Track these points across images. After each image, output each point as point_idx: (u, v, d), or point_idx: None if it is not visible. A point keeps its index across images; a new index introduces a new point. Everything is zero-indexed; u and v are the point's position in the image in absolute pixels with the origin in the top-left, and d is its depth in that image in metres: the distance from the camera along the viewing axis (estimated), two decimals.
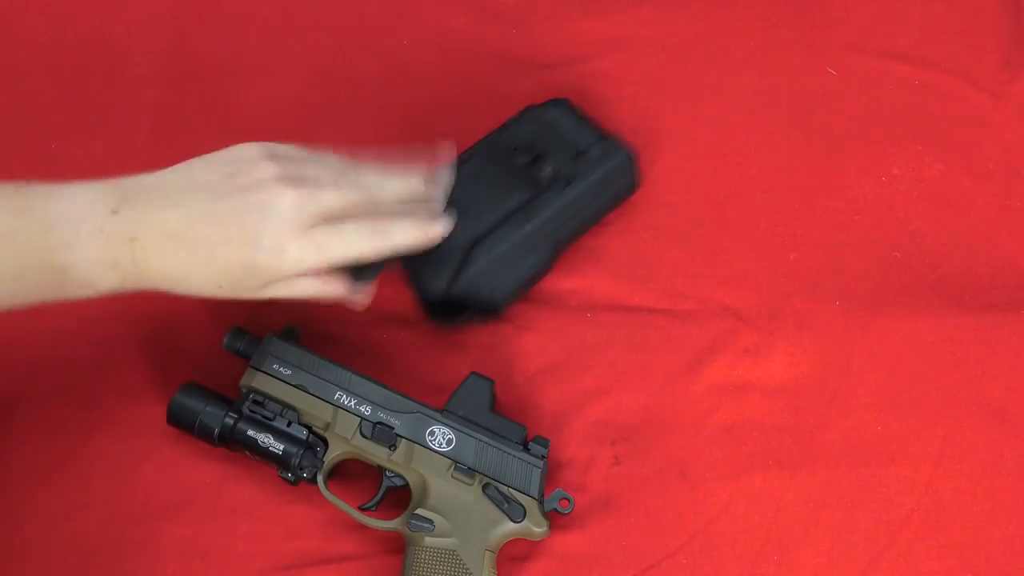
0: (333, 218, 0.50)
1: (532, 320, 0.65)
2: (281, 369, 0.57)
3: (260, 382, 0.57)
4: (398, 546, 0.58)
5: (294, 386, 0.57)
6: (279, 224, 0.48)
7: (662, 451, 0.62)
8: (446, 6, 0.74)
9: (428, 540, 0.55)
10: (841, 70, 0.72)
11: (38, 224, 0.46)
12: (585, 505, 0.60)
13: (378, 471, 0.58)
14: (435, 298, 0.60)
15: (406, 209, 0.54)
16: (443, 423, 0.57)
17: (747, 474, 0.61)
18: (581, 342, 0.64)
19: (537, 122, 0.64)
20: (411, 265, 0.58)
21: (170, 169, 0.50)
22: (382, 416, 0.57)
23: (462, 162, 0.61)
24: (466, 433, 0.57)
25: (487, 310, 0.62)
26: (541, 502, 0.57)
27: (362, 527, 0.58)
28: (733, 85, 0.72)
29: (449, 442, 0.57)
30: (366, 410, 0.57)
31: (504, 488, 0.56)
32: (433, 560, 0.55)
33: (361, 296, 0.56)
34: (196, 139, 0.70)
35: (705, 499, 0.61)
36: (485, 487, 0.56)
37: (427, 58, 0.72)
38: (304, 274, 0.50)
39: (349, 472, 0.60)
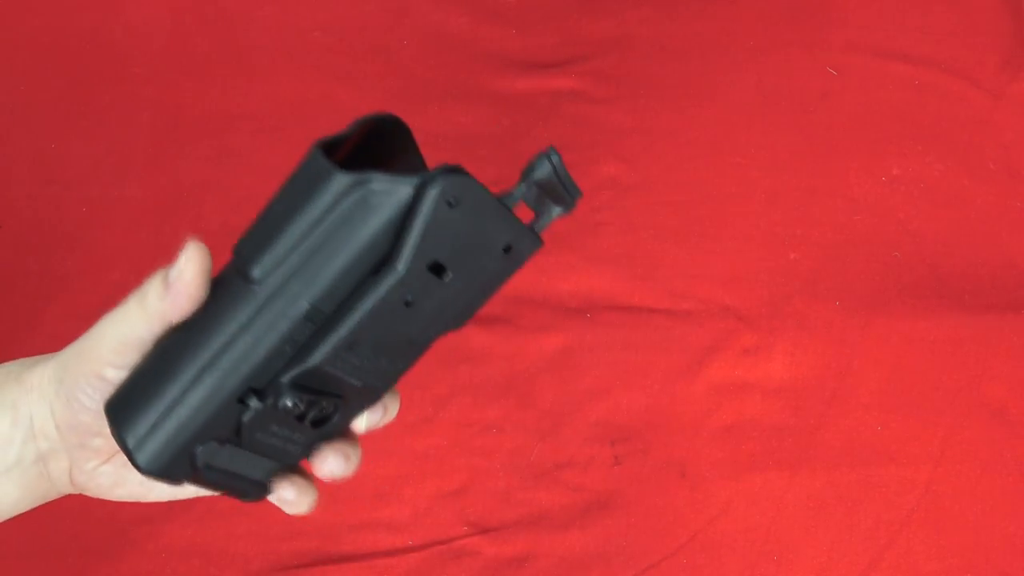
0: None
1: (532, 320, 0.65)
2: None
3: None
4: (399, 547, 0.58)
5: None
6: None
7: (662, 451, 0.62)
8: (446, 6, 0.74)
9: None
10: (841, 70, 0.72)
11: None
12: (585, 505, 0.60)
13: None
14: None
15: None
16: None
17: (747, 474, 0.61)
18: (581, 342, 0.64)
19: None
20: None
21: None
22: None
23: None
24: None
25: None
26: None
27: (363, 528, 0.58)
28: (733, 85, 0.72)
29: None
30: None
31: None
32: None
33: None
34: (196, 139, 0.71)
35: (705, 499, 0.61)
36: None
37: (427, 58, 0.72)
38: None
39: None
